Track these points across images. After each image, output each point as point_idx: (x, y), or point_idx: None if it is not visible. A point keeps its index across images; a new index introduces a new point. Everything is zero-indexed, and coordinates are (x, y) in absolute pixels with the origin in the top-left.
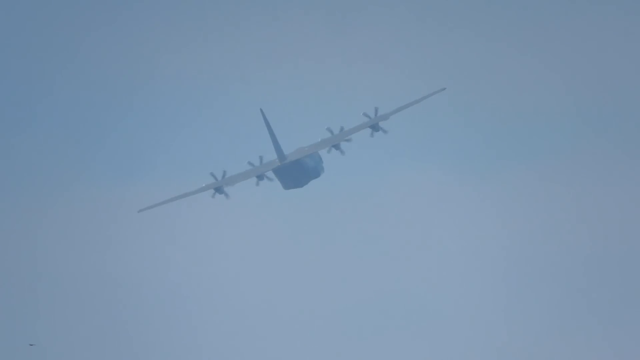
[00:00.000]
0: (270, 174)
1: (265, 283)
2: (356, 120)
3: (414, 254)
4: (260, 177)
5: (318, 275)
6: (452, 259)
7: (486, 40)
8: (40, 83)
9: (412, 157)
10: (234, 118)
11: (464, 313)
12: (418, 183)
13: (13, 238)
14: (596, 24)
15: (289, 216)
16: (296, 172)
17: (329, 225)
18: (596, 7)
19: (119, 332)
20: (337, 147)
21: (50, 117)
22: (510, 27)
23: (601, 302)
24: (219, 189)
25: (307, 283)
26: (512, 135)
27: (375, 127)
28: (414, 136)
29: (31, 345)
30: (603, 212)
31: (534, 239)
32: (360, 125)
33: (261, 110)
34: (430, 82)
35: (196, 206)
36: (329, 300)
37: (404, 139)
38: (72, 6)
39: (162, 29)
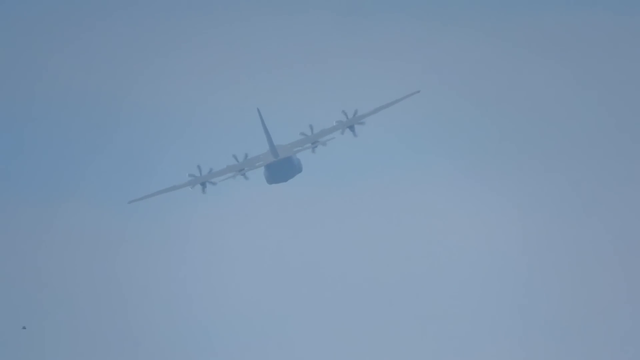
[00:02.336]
0: (253, 169)
1: (254, 275)
2: (332, 121)
3: (402, 249)
4: (242, 172)
5: (303, 267)
6: (435, 252)
7: (462, 43)
8: (34, 81)
9: (388, 155)
10: (217, 116)
11: (447, 304)
12: (394, 180)
13: (5, 232)
14: (577, 23)
15: (273, 209)
16: (286, 168)
17: (312, 217)
18: (579, 6)
19: (111, 320)
20: (315, 145)
21: (42, 113)
22: (488, 29)
23: (605, 302)
24: (203, 184)
25: (293, 274)
26: (488, 138)
27: (351, 128)
28: (388, 136)
29: (24, 328)
30: (588, 212)
31: (518, 239)
32: (336, 125)
33: (258, 109)
34: (406, 85)
35: (182, 198)
36: (316, 293)
37: (379, 139)
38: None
39: (153, 27)
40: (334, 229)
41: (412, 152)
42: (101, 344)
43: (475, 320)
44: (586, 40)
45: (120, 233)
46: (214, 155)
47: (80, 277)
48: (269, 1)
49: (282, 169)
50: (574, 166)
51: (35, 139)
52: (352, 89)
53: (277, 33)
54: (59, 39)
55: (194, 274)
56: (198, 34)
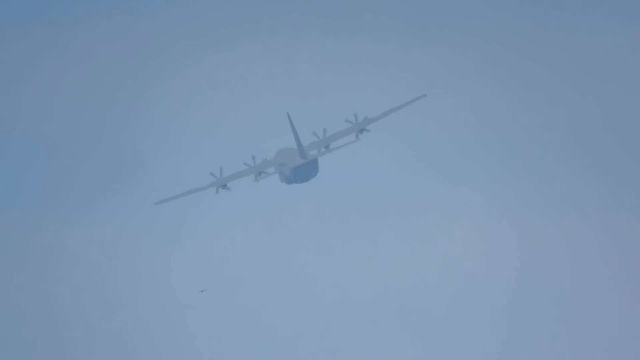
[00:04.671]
0: (270, 170)
1: (269, 277)
2: (337, 124)
3: (410, 256)
4: (258, 174)
5: (318, 268)
6: (444, 257)
7: (466, 46)
8: (57, 78)
9: (395, 158)
10: (227, 119)
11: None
12: (399, 183)
13: (32, 228)
14: (579, 28)
15: (292, 209)
16: (311, 169)
17: (323, 221)
18: (577, 12)
19: (143, 317)
20: (326, 147)
21: (72, 112)
22: (491, 32)
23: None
24: (223, 185)
25: (310, 275)
26: (493, 142)
27: (360, 131)
28: (395, 139)
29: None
30: (590, 218)
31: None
32: (345, 130)
33: (288, 114)
34: (413, 87)
35: (205, 199)
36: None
37: (386, 142)
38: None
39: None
40: (345, 233)
41: (419, 155)
42: (120, 342)
43: (478, 335)
44: (590, 44)
45: (148, 232)
46: (230, 158)
47: (116, 275)
48: (272, 3)
49: (306, 170)
50: (581, 170)
51: (61, 144)
52: (357, 92)
53: (280, 35)
54: (84, 40)
55: (213, 274)
56: (199, 39)
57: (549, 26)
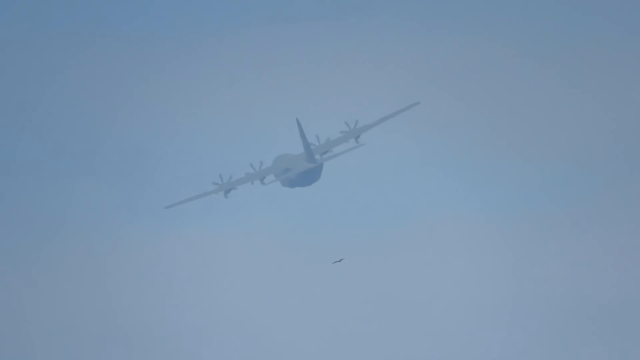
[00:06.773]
0: (271, 176)
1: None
2: (331, 130)
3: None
4: (261, 179)
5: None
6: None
7: (461, 53)
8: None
9: (390, 165)
10: (230, 125)
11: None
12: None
13: (44, 232)
14: (577, 34)
15: (295, 212)
16: (316, 173)
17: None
18: (577, 20)
19: (156, 320)
20: (324, 153)
21: (81, 120)
22: (486, 39)
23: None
24: (227, 190)
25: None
26: (490, 147)
27: (356, 138)
28: (390, 147)
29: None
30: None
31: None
32: (341, 137)
33: (297, 120)
34: (406, 95)
35: (212, 203)
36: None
37: (380, 149)
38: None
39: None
40: (346, 235)
41: (414, 163)
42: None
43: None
44: (589, 44)
45: (159, 235)
46: (234, 163)
47: (134, 273)
48: (268, 11)
49: (313, 174)
50: (578, 177)
51: (70, 149)
52: (351, 100)
53: (274, 42)
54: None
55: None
56: (202, 44)
57: (545, 32)
